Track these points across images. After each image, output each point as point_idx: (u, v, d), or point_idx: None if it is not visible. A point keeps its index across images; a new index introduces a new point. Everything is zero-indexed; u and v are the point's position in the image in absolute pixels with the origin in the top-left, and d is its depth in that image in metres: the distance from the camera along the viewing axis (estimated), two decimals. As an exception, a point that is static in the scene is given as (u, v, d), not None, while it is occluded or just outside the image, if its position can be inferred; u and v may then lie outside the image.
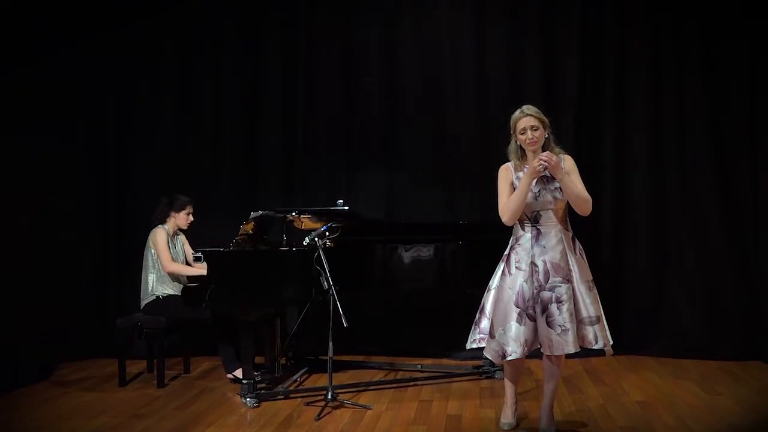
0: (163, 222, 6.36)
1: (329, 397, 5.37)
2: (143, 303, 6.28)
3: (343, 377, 6.24)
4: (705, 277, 6.78)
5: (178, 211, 6.37)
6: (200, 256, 5.78)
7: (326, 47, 7.23)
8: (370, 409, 5.39)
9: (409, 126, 7.13)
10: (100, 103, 7.24)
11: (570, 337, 4.42)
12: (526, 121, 4.54)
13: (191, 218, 6.43)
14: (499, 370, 6.03)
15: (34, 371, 6.36)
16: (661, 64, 6.88)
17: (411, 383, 6.08)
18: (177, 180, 6.98)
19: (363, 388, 5.92)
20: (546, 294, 4.48)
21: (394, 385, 6.03)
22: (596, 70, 6.97)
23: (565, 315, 4.44)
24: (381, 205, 7.07)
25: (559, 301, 4.45)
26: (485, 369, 6.21)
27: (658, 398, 5.54)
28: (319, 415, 5.22)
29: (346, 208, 5.82)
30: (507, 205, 4.56)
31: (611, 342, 4.62)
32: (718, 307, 6.75)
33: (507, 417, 4.88)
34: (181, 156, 7.27)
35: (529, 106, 4.60)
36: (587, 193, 4.58)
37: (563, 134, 6.77)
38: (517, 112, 4.60)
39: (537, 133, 4.54)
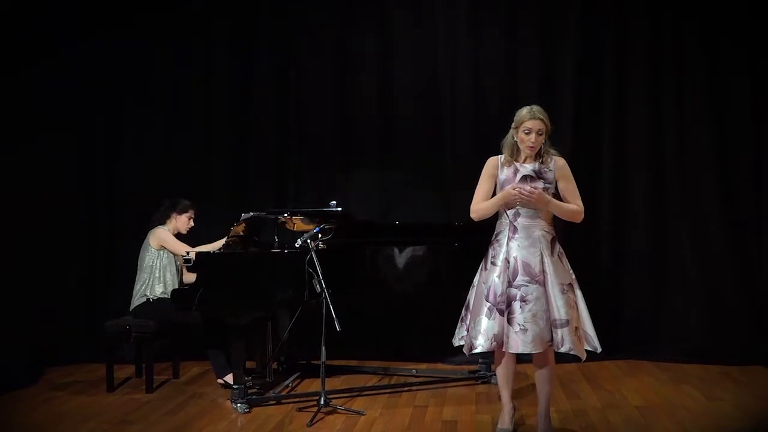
0: (162, 223, 6.29)
1: (322, 402, 5.31)
2: (133, 304, 6.21)
3: (336, 382, 6.18)
4: (706, 280, 6.74)
5: (180, 213, 6.30)
6: (190, 259, 5.69)
7: (320, 47, 7.17)
8: (363, 414, 5.33)
9: (404, 126, 7.08)
10: (89, 104, 7.16)
11: (528, 337, 4.42)
12: (534, 124, 4.53)
13: (192, 223, 6.37)
14: (495, 374, 5.95)
15: (20, 376, 6.29)
16: (661, 64, 6.84)
17: (405, 388, 6.02)
18: (167, 181, 6.92)
19: (356, 393, 5.86)
20: (512, 291, 4.49)
21: (388, 391, 5.97)
22: (595, 70, 6.92)
23: (527, 315, 4.43)
24: (375, 206, 7.01)
25: (523, 300, 4.45)
26: (481, 374, 6.16)
27: (657, 403, 5.49)
28: (311, 421, 5.15)
29: (340, 209, 5.75)
30: (477, 207, 4.68)
31: (598, 348, 4.60)
32: (719, 311, 6.69)
33: (504, 423, 4.80)
34: (171, 156, 7.18)
35: (539, 109, 4.58)
36: (578, 203, 4.61)
37: (562, 134, 6.77)
38: (526, 111, 4.57)
39: (540, 139, 4.55)
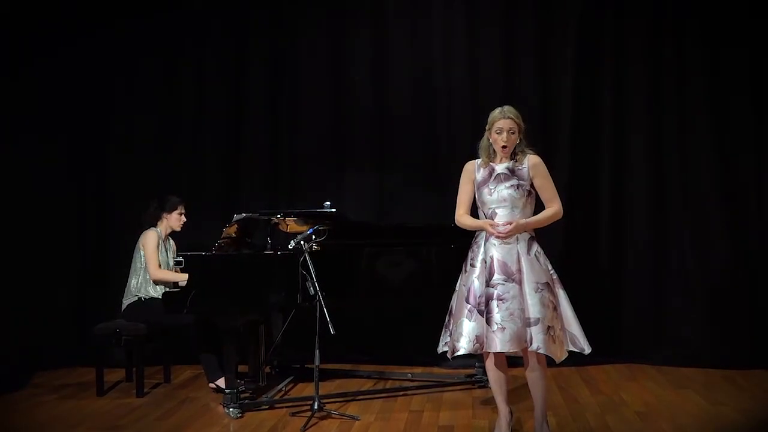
0: (154, 225, 6.22)
1: (316, 407, 5.25)
2: (125, 304, 6.15)
3: (330, 386, 6.12)
4: (707, 282, 6.66)
5: (170, 211, 6.23)
6: (181, 261, 5.63)
7: (313, 46, 7.11)
8: (358, 420, 5.26)
9: (400, 126, 7.03)
10: (79, 103, 7.10)
11: (505, 336, 4.42)
12: (505, 123, 4.61)
13: (184, 219, 6.30)
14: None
15: (8, 380, 6.24)
16: (662, 64, 6.79)
17: (401, 393, 5.97)
18: (158, 182, 6.85)
19: (351, 398, 5.80)
20: (489, 290, 4.52)
21: (384, 395, 5.92)
22: (594, 70, 6.86)
23: (504, 314, 4.44)
24: (370, 207, 6.96)
25: (500, 299, 4.47)
26: (478, 378, 6.10)
27: (658, 408, 5.43)
28: (305, 426, 5.09)
29: (334, 210, 5.71)
30: (460, 221, 4.77)
31: (585, 350, 4.59)
32: (721, 313, 6.62)
33: (501, 429, 4.73)
34: (162, 157, 7.11)
35: (510, 108, 4.67)
36: (555, 203, 4.68)
37: (560, 135, 6.73)
38: (497, 111, 4.66)
39: (512, 137, 4.63)
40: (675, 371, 6.47)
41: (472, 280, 4.60)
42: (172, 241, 6.38)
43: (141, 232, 6.20)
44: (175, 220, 6.25)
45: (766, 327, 6.56)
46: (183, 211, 6.28)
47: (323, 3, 7.10)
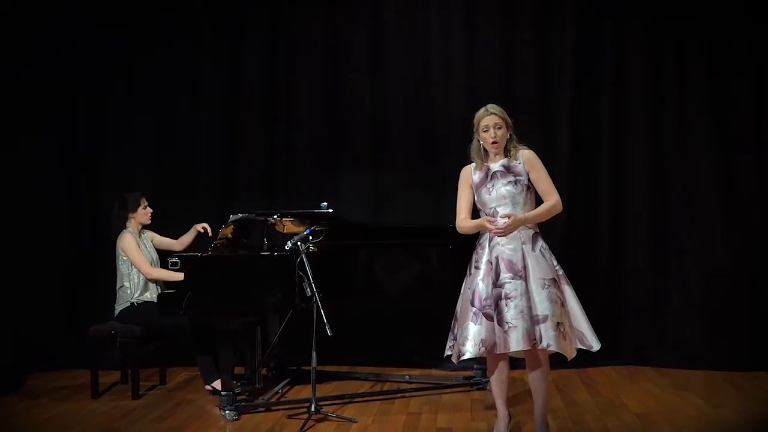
0: (124, 226, 6.18)
1: (312, 409, 5.22)
2: (117, 310, 6.11)
3: (327, 389, 6.09)
4: (707, 282, 6.63)
5: (135, 209, 6.19)
6: (177, 262, 5.60)
7: (310, 45, 7.08)
8: (355, 422, 5.24)
9: (397, 126, 7.00)
10: (72, 103, 7.09)
11: (516, 334, 4.37)
12: (490, 119, 4.61)
13: (149, 210, 6.26)
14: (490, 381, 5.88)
15: (4, 382, 6.21)
16: (662, 64, 6.76)
17: (399, 395, 5.95)
18: (153, 181, 6.83)
19: (348, 400, 5.77)
20: (497, 291, 4.48)
21: (381, 397, 5.89)
22: (594, 70, 6.83)
23: (513, 312, 4.39)
24: (368, 207, 6.93)
25: (507, 298, 4.43)
26: (476, 380, 6.08)
27: (658, 410, 5.40)
28: (301, 428, 5.07)
29: (331, 210, 5.70)
30: (461, 225, 4.73)
31: (593, 347, 4.54)
32: (721, 314, 6.59)
33: (499, 431, 4.69)
34: (157, 157, 7.10)
35: (494, 105, 4.68)
36: (553, 196, 4.61)
37: (560, 135, 6.70)
38: (482, 110, 4.66)
39: (500, 132, 4.61)
40: (675, 373, 6.44)
41: (477, 282, 4.55)
42: (147, 233, 6.32)
43: (116, 236, 6.15)
44: (142, 215, 6.21)
45: (766, 327, 6.53)
46: (146, 203, 6.23)
47: (321, 2, 7.07)
